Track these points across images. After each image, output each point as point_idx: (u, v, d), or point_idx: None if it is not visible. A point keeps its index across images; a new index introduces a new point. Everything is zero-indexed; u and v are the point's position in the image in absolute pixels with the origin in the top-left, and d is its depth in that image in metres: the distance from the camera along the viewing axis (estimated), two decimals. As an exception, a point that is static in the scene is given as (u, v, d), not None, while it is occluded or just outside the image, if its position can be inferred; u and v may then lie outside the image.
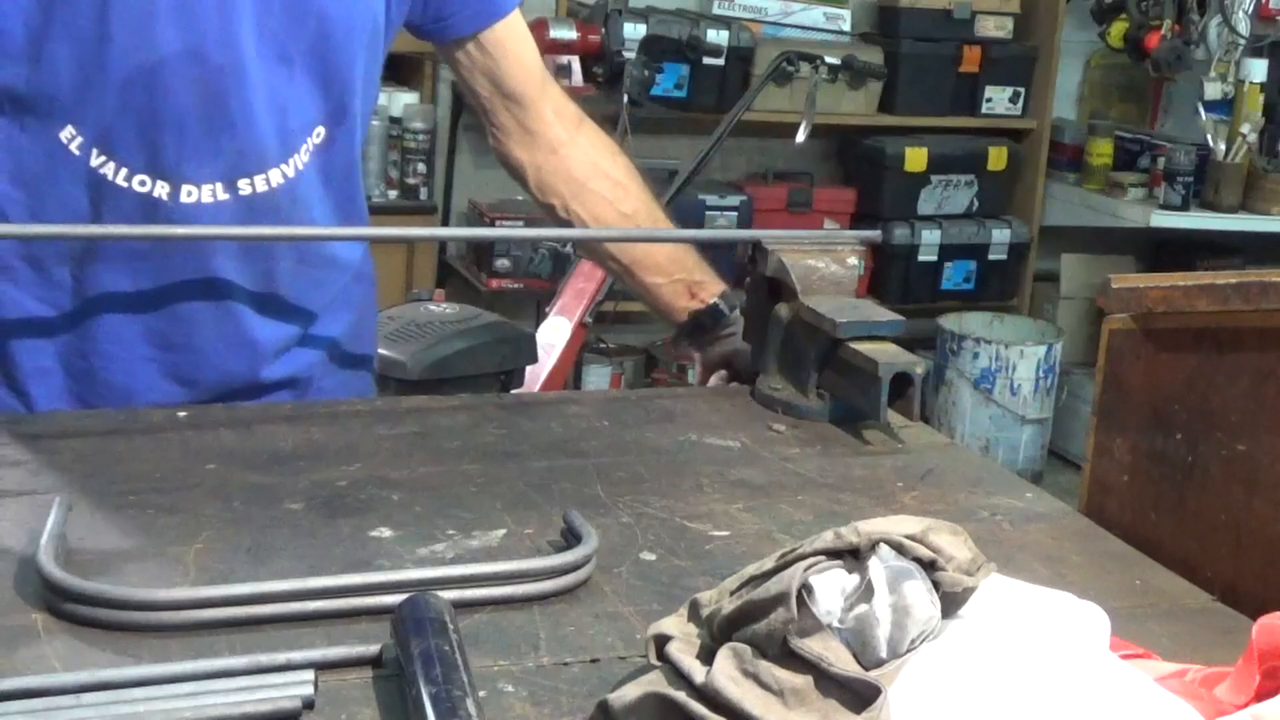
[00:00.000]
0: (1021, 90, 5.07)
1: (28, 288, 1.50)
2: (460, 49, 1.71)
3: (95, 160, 1.44)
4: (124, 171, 1.45)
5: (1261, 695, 0.86)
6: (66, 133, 1.43)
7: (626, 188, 1.78)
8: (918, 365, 1.43)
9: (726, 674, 0.82)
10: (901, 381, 1.43)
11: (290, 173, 1.52)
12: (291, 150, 1.52)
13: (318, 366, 1.64)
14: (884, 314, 1.50)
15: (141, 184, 1.45)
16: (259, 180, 1.49)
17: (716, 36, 4.54)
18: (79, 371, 1.52)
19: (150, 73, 1.42)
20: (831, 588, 0.85)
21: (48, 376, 1.52)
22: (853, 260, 1.57)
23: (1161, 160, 4.88)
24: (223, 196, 1.48)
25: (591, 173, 1.77)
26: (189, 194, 1.46)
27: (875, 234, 1.71)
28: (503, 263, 4.27)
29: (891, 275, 4.93)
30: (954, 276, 5.06)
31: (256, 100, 1.47)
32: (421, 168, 4.36)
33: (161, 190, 1.46)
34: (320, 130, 1.54)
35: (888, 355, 1.43)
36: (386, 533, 1.17)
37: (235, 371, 1.56)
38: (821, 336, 1.49)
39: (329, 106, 1.54)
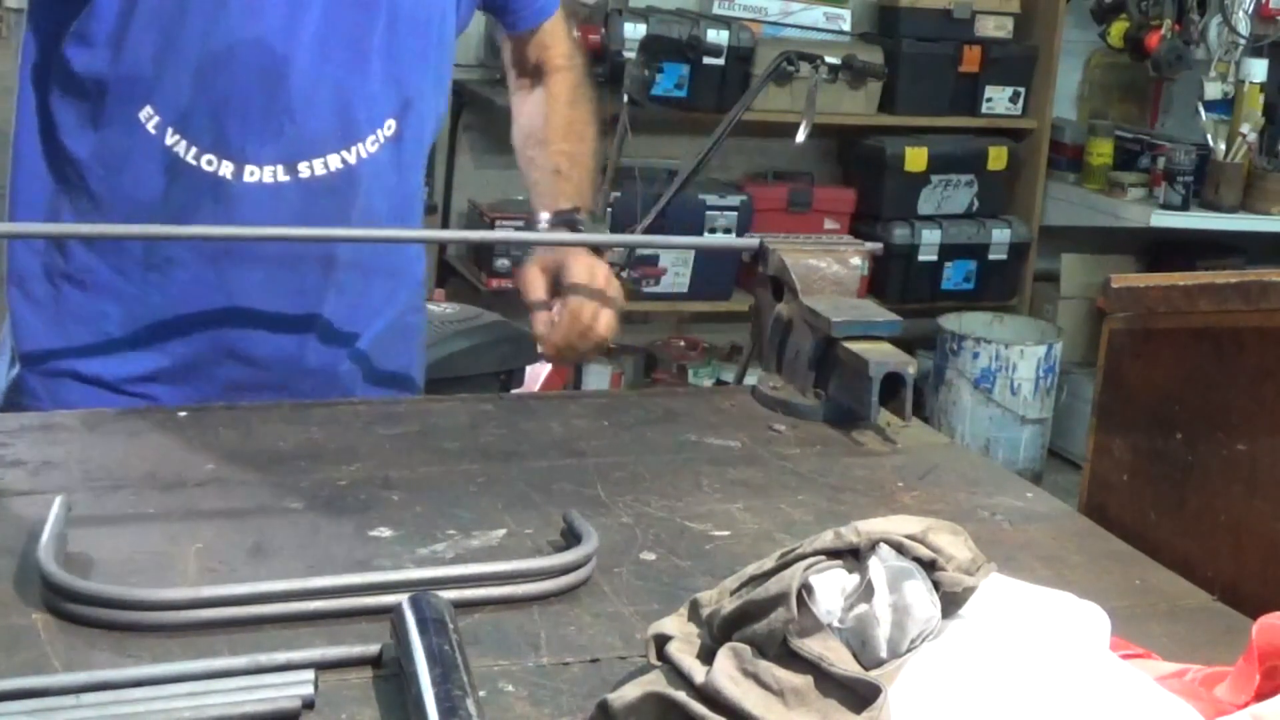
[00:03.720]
0: (1021, 90, 5.07)
1: (89, 263, 1.58)
2: (517, 35, 1.87)
3: (170, 139, 1.53)
4: (194, 150, 1.54)
5: (1261, 695, 0.86)
6: (145, 112, 1.53)
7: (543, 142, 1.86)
8: (910, 365, 1.43)
9: (726, 674, 0.82)
10: (894, 381, 1.43)
11: (351, 159, 1.58)
12: (354, 139, 1.58)
13: (361, 359, 1.68)
14: (881, 314, 1.51)
15: (209, 163, 1.54)
16: (318, 164, 1.56)
17: (716, 36, 4.54)
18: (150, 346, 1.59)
19: (220, 58, 1.51)
20: (831, 588, 0.85)
21: (122, 359, 1.59)
22: (855, 260, 1.57)
23: (1161, 160, 4.87)
24: (283, 178, 1.55)
25: (527, 135, 1.88)
26: (251, 174, 1.54)
27: (876, 246, 1.68)
28: (503, 263, 4.27)
29: (891, 275, 4.93)
30: (954, 276, 5.06)
31: (317, 89, 1.54)
32: (421, 167, 4.35)
33: (226, 170, 1.54)
34: (391, 123, 1.60)
35: (880, 355, 1.43)
36: (386, 533, 1.17)
37: (287, 350, 1.61)
38: (819, 336, 1.49)
39: (399, 99, 1.60)
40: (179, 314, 1.59)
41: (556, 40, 1.87)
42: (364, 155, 1.59)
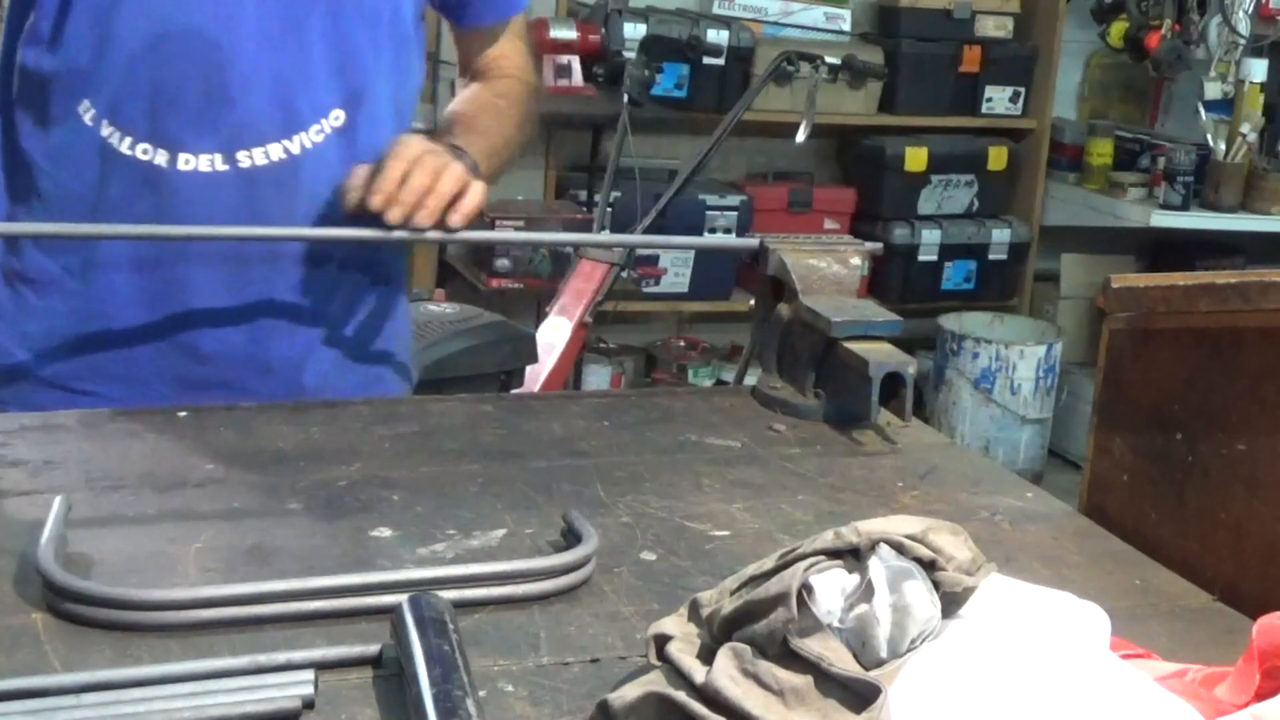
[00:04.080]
0: (1021, 90, 5.07)
1: (40, 263, 1.57)
2: (467, 32, 1.78)
3: (105, 130, 1.52)
4: (128, 140, 1.52)
5: (1261, 695, 0.86)
6: (83, 105, 1.52)
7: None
8: (910, 365, 1.43)
9: (726, 674, 0.82)
10: (894, 381, 1.43)
11: (295, 149, 1.56)
12: (297, 128, 1.56)
13: (328, 361, 1.65)
14: (881, 314, 1.51)
15: (144, 152, 1.53)
16: (258, 153, 1.54)
17: (716, 36, 4.54)
18: (90, 342, 1.58)
19: (154, 46, 1.50)
20: (831, 588, 0.85)
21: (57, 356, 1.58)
22: (855, 260, 1.57)
23: (1161, 160, 4.87)
24: (221, 167, 1.53)
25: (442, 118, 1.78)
26: (186, 162, 1.53)
27: (876, 246, 1.68)
28: (503, 263, 4.27)
29: (891, 275, 4.93)
30: (954, 276, 5.06)
31: (255, 75, 1.52)
32: (421, 167, 4.34)
33: (160, 158, 1.52)
34: (339, 114, 1.58)
35: (880, 355, 1.43)
36: (386, 533, 1.17)
37: (238, 347, 1.59)
38: (818, 336, 1.49)
39: (346, 89, 1.58)
40: (121, 310, 1.57)
41: (513, 54, 1.79)
42: (307, 145, 1.56)
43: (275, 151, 1.55)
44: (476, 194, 1.52)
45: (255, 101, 1.53)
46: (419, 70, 1.70)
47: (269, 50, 1.53)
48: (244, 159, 1.54)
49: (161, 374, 1.58)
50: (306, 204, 1.57)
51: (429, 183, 1.48)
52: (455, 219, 1.51)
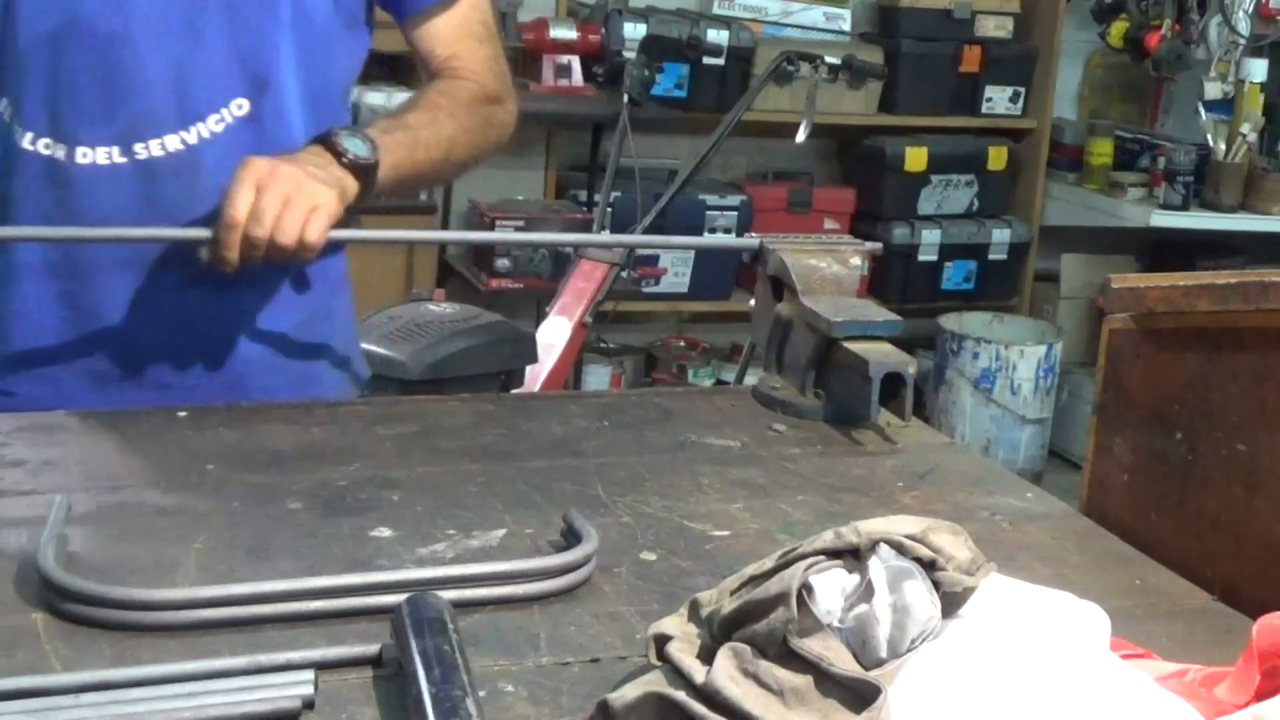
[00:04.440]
0: (1021, 90, 5.07)
1: None
2: (410, 25, 1.70)
3: (13, 126, 1.52)
4: (29, 135, 1.52)
5: (1261, 695, 0.86)
6: (3, 104, 1.53)
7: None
8: (910, 365, 1.43)
9: (726, 674, 0.82)
10: (894, 381, 1.43)
11: (192, 139, 1.54)
12: (194, 118, 1.54)
13: (260, 361, 1.63)
14: (881, 314, 1.51)
15: (45, 147, 1.52)
16: (155, 145, 1.53)
17: (716, 36, 4.54)
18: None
19: (51, 40, 1.50)
20: (831, 587, 0.85)
21: None
22: (855, 260, 1.57)
23: (1161, 160, 4.87)
24: (119, 159, 1.52)
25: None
26: (84, 155, 1.52)
27: (876, 246, 1.66)
28: (503, 262, 4.27)
29: (891, 275, 4.93)
30: (954, 276, 5.06)
31: (150, 67, 1.51)
32: (421, 167, 4.34)
33: (60, 152, 1.52)
34: (242, 103, 1.55)
35: (880, 355, 1.43)
36: (386, 533, 1.17)
37: (150, 339, 1.57)
38: (818, 336, 1.49)
39: (248, 77, 1.55)
40: (37, 309, 1.56)
41: (468, 55, 1.68)
42: (206, 135, 1.54)
43: (173, 142, 1.53)
44: (320, 218, 1.44)
45: (152, 92, 1.52)
46: (342, 64, 1.65)
47: (165, 40, 1.51)
48: (141, 151, 1.52)
49: (81, 373, 1.57)
50: (210, 195, 1.51)
51: (266, 236, 1.42)
52: (308, 255, 1.46)
